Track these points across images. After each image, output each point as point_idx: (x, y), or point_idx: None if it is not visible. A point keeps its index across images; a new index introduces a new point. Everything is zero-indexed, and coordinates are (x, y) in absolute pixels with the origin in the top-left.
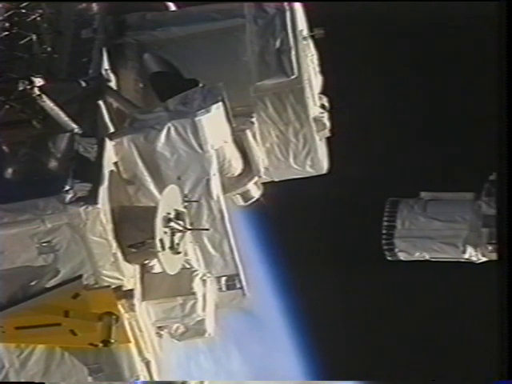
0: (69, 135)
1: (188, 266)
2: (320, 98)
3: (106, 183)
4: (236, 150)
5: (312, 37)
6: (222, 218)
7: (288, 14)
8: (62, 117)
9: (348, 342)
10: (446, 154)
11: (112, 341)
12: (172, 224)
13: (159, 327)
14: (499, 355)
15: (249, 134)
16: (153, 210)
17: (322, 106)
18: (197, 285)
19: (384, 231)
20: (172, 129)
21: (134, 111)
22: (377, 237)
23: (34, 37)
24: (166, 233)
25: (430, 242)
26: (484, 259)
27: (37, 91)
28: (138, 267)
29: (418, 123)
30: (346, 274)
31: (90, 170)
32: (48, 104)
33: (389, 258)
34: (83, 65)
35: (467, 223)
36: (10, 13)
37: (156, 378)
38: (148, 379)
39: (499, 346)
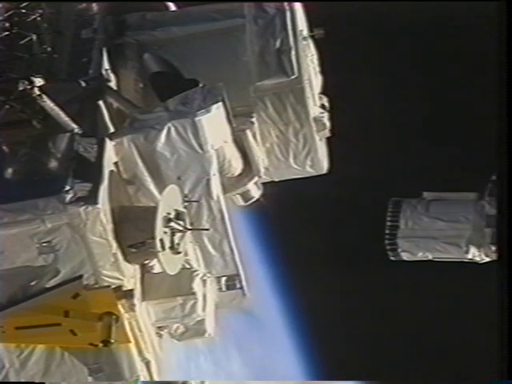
0: (69, 135)
1: (188, 266)
2: (320, 98)
3: (106, 183)
4: (236, 150)
5: (312, 37)
6: (222, 218)
7: (288, 14)
8: (62, 117)
9: (348, 342)
10: (446, 154)
11: (112, 341)
12: (172, 224)
13: (159, 327)
14: (499, 355)
15: (249, 134)
16: (153, 210)
17: (322, 106)
18: (197, 285)
19: (387, 231)
20: (172, 129)
21: (134, 111)
22: (377, 237)
23: (34, 37)
24: (166, 233)
25: (433, 242)
26: (487, 259)
27: (37, 91)
28: (138, 267)
29: (418, 123)
30: (345, 274)
31: (90, 170)
32: (48, 104)
33: (392, 258)
34: (83, 65)
35: (470, 223)
36: (10, 13)
37: (156, 378)
38: (148, 379)
39: (499, 345)
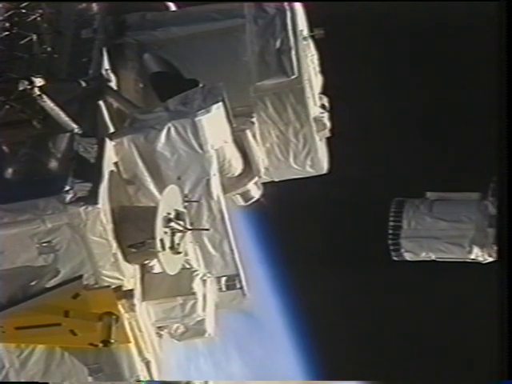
0: (69, 135)
1: (188, 266)
2: (320, 98)
3: (106, 183)
4: (236, 150)
5: (312, 37)
6: (222, 218)
7: (288, 14)
8: (62, 117)
9: (348, 342)
10: (446, 154)
11: (112, 341)
12: (172, 224)
13: (159, 327)
14: (499, 355)
15: (249, 134)
16: (153, 210)
17: (322, 106)
18: (197, 285)
19: (390, 231)
20: (172, 129)
21: (134, 111)
22: (376, 236)
23: (34, 37)
24: (166, 233)
25: (436, 242)
26: (490, 259)
27: (37, 91)
28: (138, 267)
29: (418, 123)
30: (345, 275)
31: (90, 170)
32: (48, 104)
33: (395, 259)
34: (83, 65)
35: (473, 223)
36: (10, 13)
37: (156, 378)
38: (148, 379)
39: (499, 345)
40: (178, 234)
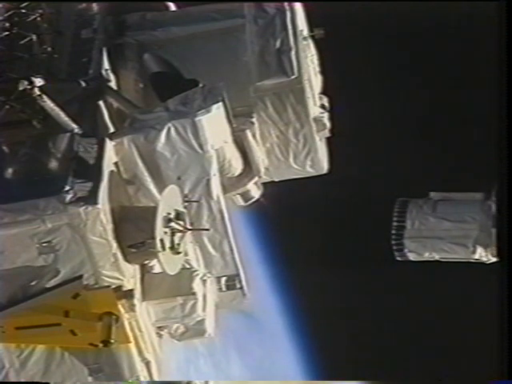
0: (69, 135)
1: (188, 266)
2: (320, 98)
3: (106, 183)
4: (236, 150)
5: (312, 37)
6: (222, 218)
7: (288, 14)
8: (62, 117)
9: (348, 342)
10: (446, 154)
11: (112, 341)
12: (172, 224)
13: (159, 327)
14: (499, 355)
15: (249, 134)
16: (153, 210)
17: (322, 106)
18: (197, 285)
19: (393, 231)
20: (172, 129)
21: (134, 111)
22: (376, 236)
23: (34, 37)
24: (166, 233)
25: (439, 243)
26: (494, 259)
27: (37, 91)
28: (138, 267)
29: (418, 123)
30: (345, 275)
31: (90, 170)
32: (48, 104)
33: (398, 259)
34: (83, 65)
35: (477, 223)
36: (10, 13)
37: (156, 379)
38: (148, 379)
39: (499, 345)
40: (178, 234)
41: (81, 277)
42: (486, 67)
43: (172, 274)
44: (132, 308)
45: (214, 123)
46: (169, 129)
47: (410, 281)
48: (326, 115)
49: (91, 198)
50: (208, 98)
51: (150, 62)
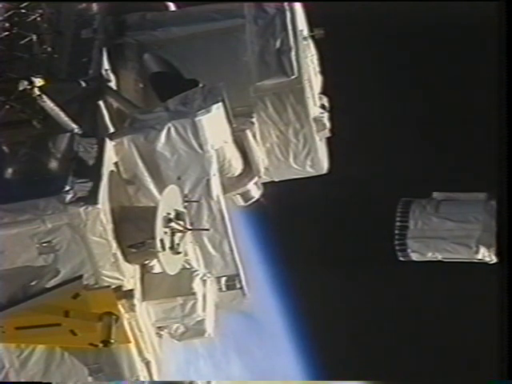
0: (69, 135)
1: (188, 266)
2: (320, 98)
3: (106, 183)
4: (236, 150)
5: (312, 37)
6: (222, 218)
7: (288, 14)
8: (62, 117)
9: (348, 342)
10: (446, 154)
11: (112, 341)
12: (172, 224)
13: (159, 327)
14: (499, 355)
15: (249, 134)
16: (153, 210)
17: (322, 106)
18: (197, 285)
19: (396, 231)
20: (172, 129)
21: (134, 111)
22: (376, 236)
23: (34, 37)
24: (166, 233)
25: (442, 243)
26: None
27: (37, 91)
28: (138, 267)
29: (418, 123)
30: (345, 275)
31: (90, 170)
32: (48, 104)
33: (401, 259)
34: (83, 65)
35: (480, 223)
36: (10, 13)
37: (156, 379)
38: (148, 379)
39: (499, 345)
40: (178, 234)
41: (81, 277)
42: (486, 67)
43: (172, 274)
44: (132, 308)
45: (214, 123)
46: (169, 129)
47: (410, 281)
48: (325, 115)
49: (91, 198)
50: (208, 98)
51: (150, 62)
